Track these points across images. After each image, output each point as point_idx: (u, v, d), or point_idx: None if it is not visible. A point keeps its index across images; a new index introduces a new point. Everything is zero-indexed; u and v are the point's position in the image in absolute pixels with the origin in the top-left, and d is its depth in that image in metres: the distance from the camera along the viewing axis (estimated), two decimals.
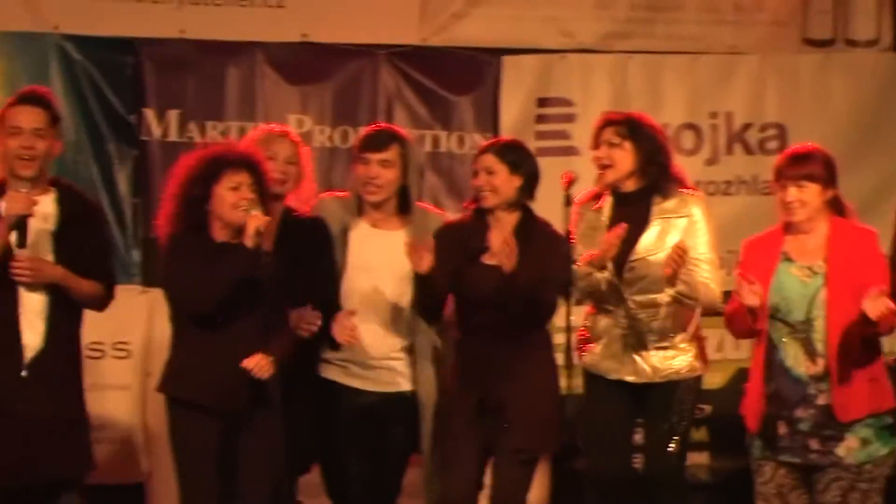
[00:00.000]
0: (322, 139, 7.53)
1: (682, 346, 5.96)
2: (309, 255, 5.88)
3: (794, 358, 5.57)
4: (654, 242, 5.91)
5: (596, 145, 6.02)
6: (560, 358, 5.88)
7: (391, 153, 5.96)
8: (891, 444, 5.60)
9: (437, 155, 7.64)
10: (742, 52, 7.88)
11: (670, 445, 5.91)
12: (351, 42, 7.58)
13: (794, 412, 5.55)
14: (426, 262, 5.69)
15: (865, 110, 7.87)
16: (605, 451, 5.91)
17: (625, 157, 5.95)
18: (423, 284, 5.77)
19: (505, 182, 5.85)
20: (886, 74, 7.92)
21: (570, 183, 5.74)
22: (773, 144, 7.80)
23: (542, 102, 7.71)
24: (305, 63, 7.57)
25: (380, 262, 5.97)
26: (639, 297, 5.92)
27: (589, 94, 7.71)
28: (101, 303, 5.87)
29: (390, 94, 7.62)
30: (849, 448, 5.52)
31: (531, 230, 5.84)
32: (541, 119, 7.70)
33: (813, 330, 5.55)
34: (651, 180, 5.96)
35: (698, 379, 6.04)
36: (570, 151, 7.56)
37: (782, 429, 5.57)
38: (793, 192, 5.60)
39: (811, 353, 5.54)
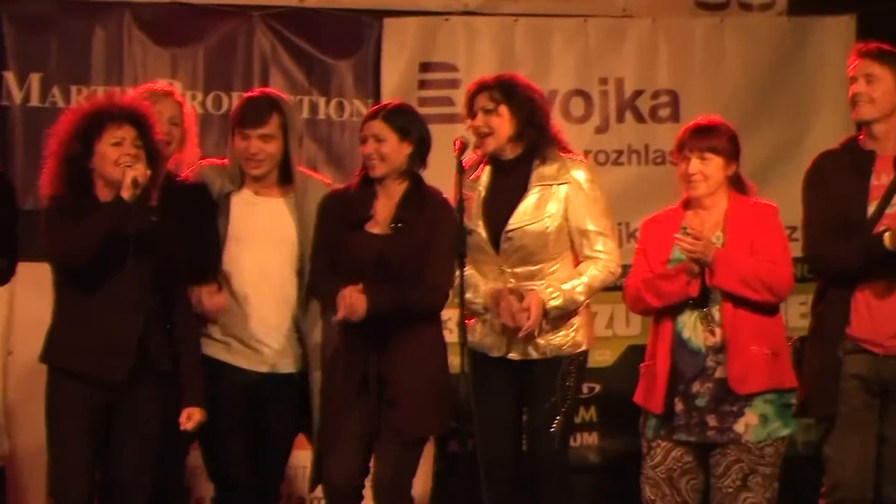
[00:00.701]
0: (194, 105, 7.16)
1: (564, 320, 5.72)
2: (191, 222, 5.63)
3: (691, 329, 5.47)
4: (532, 211, 5.68)
5: (471, 114, 5.78)
6: (455, 335, 5.76)
7: (271, 126, 5.75)
8: (791, 426, 5.52)
9: (316, 122, 7.37)
10: (633, 16, 7.69)
11: (552, 425, 5.67)
12: (224, 2, 7.28)
13: (690, 387, 5.44)
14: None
15: (760, 76, 7.74)
16: (493, 432, 5.65)
17: (502, 123, 5.71)
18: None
19: (394, 150, 5.63)
20: (781, 39, 7.80)
21: (462, 149, 5.50)
22: (664, 112, 7.65)
23: (426, 67, 7.48)
24: (176, 24, 7.25)
25: (264, 232, 5.77)
26: (518, 269, 5.70)
27: (474, 58, 7.48)
28: (4, 277, 5.70)
29: (266, 58, 7.32)
30: (747, 424, 5.41)
31: (421, 199, 5.65)
32: (424, 85, 7.47)
33: (711, 300, 5.45)
34: (530, 144, 5.72)
35: (583, 355, 5.80)
36: (454, 119, 7.31)
37: (678, 406, 5.46)
38: (695, 165, 5.52)
39: (709, 324, 5.45)
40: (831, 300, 5.55)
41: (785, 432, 5.48)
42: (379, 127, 5.63)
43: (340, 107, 7.37)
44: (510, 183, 5.72)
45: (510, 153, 5.74)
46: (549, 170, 5.69)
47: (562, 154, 5.75)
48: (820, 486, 5.58)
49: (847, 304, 5.47)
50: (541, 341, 5.67)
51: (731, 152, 5.56)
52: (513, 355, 5.72)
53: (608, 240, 5.70)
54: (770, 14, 7.81)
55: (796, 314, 7.46)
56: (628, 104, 7.65)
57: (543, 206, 5.66)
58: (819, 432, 5.67)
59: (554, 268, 5.69)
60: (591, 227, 5.67)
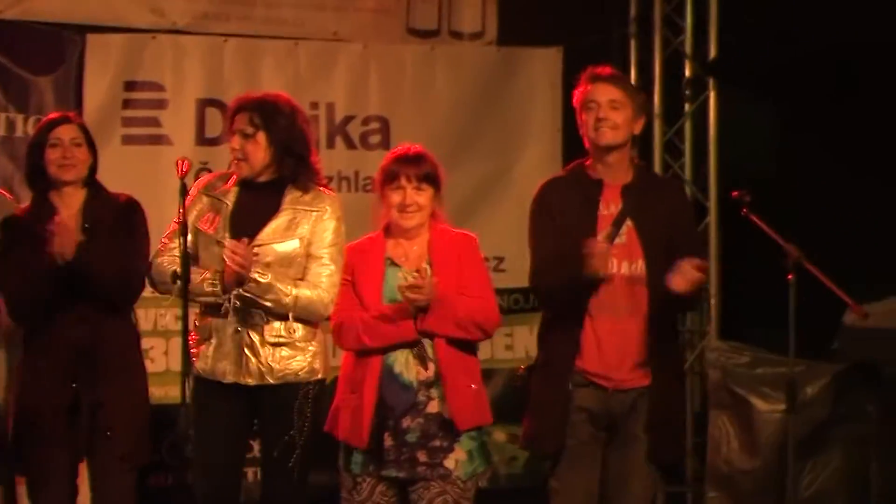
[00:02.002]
0: None
1: (301, 344, 5.47)
2: None
3: (403, 364, 5.36)
4: (283, 231, 5.43)
5: (230, 133, 5.53)
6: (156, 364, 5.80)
7: None
8: (488, 461, 5.53)
9: (12, 140, 7.05)
10: (344, 40, 7.61)
11: (290, 460, 5.41)
12: None
13: (400, 422, 5.34)
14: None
15: (469, 105, 7.74)
16: (215, 465, 5.41)
17: (257, 151, 5.46)
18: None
19: (86, 157, 5.53)
20: (490, 69, 7.83)
21: (187, 171, 5.22)
22: (375, 139, 7.59)
23: (130, 86, 7.24)
24: None
25: None
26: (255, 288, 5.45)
27: (181, 78, 7.29)
28: None
29: None
30: (457, 460, 5.36)
31: (106, 200, 5.52)
32: (129, 104, 7.23)
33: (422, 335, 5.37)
34: (287, 172, 5.48)
35: (321, 384, 5.53)
36: (159, 140, 7.17)
37: (388, 441, 5.34)
38: (412, 195, 5.42)
39: (422, 358, 5.35)
40: (560, 332, 5.47)
41: (483, 467, 5.46)
42: (76, 132, 5.52)
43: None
44: (261, 203, 5.46)
45: (264, 177, 5.50)
46: (304, 197, 5.46)
47: (318, 187, 5.54)
48: None
49: (577, 336, 5.41)
50: (276, 365, 5.43)
51: (439, 181, 5.49)
52: (248, 380, 5.42)
53: (334, 276, 5.47)
54: (480, 43, 7.84)
55: (501, 346, 7.51)
56: (339, 129, 7.56)
57: (294, 229, 5.43)
58: (528, 465, 5.63)
59: None
60: (324, 257, 5.45)
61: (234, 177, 5.51)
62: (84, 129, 5.56)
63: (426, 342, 5.36)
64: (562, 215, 5.46)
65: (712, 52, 7.90)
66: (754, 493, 7.39)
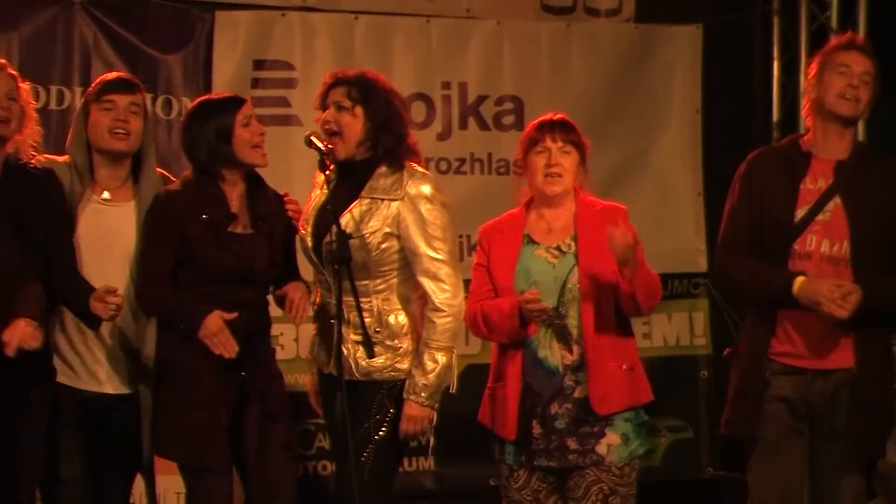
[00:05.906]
0: None
1: (390, 342, 5.27)
2: (35, 210, 5.13)
3: (547, 348, 5.15)
4: (355, 224, 5.22)
5: (323, 106, 5.35)
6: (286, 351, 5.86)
7: (139, 97, 5.39)
8: (647, 444, 5.30)
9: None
10: (477, 17, 7.41)
11: (363, 454, 5.22)
12: None
13: (548, 408, 5.13)
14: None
15: (606, 84, 7.54)
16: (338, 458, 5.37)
17: (354, 124, 5.27)
18: None
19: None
20: (628, 46, 7.62)
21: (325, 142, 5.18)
22: (509, 119, 7.39)
23: (259, 65, 7.07)
24: None
25: (109, 243, 5.29)
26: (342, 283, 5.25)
27: (311, 57, 7.10)
28: None
29: (87, 50, 6.80)
30: (609, 445, 5.14)
31: (268, 194, 5.37)
32: (257, 83, 7.06)
33: (567, 315, 5.13)
34: (383, 150, 5.28)
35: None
36: (289, 120, 7.00)
37: (536, 429, 5.15)
38: (556, 156, 5.17)
39: (566, 342, 5.13)
40: (754, 314, 5.32)
41: (643, 450, 5.24)
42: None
43: (168, 104, 6.93)
44: (346, 189, 5.28)
45: (358, 157, 5.30)
46: (384, 182, 5.25)
47: (408, 165, 5.30)
48: None
49: (772, 319, 5.24)
50: (362, 362, 5.25)
51: (585, 154, 5.26)
52: (336, 372, 5.21)
53: (452, 270, 5.24)
54: (617, 21, 7.63)
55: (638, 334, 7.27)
56: (472, 110, 7.38)
57: (368, 221, 5.23)
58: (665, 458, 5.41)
59: (381, 287, 5.28)
60: (425, 250, 5.23)
61: (330, 162, 5.27)
62: None
63: (571, 324, 5.12)
64: (762, 188, 5.27)
65: (861, 29, 7.58)
66: None
